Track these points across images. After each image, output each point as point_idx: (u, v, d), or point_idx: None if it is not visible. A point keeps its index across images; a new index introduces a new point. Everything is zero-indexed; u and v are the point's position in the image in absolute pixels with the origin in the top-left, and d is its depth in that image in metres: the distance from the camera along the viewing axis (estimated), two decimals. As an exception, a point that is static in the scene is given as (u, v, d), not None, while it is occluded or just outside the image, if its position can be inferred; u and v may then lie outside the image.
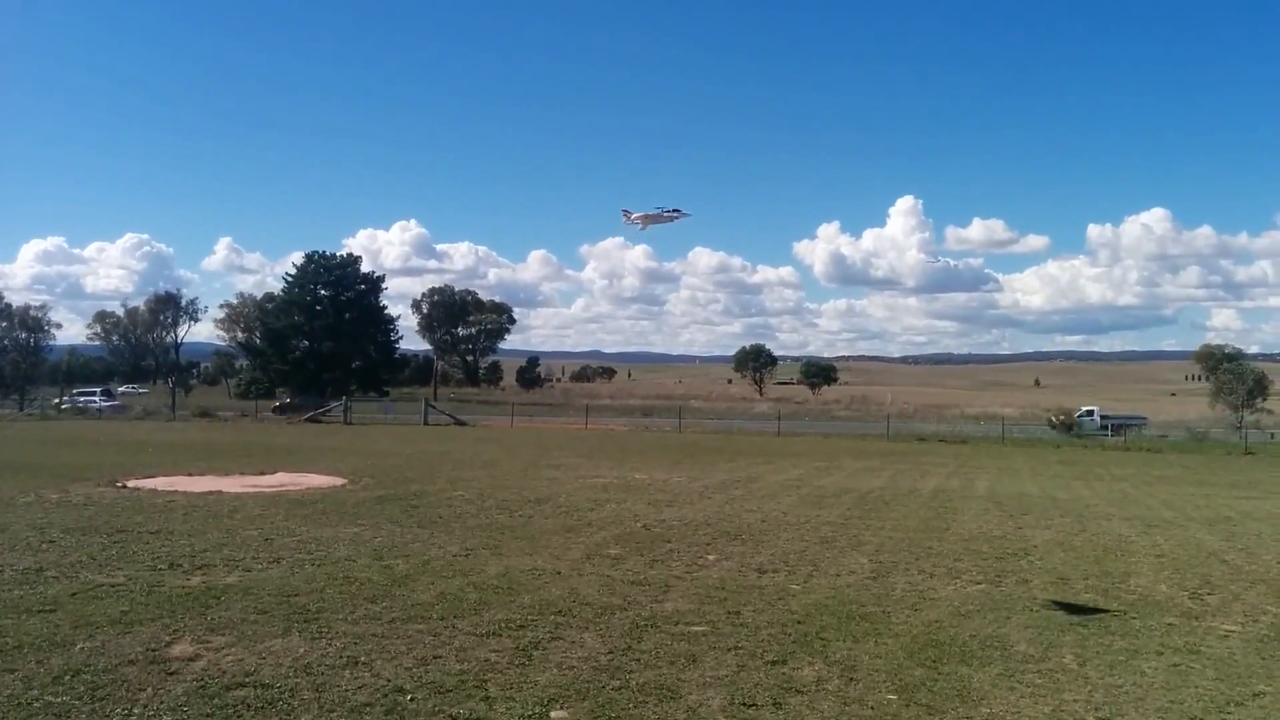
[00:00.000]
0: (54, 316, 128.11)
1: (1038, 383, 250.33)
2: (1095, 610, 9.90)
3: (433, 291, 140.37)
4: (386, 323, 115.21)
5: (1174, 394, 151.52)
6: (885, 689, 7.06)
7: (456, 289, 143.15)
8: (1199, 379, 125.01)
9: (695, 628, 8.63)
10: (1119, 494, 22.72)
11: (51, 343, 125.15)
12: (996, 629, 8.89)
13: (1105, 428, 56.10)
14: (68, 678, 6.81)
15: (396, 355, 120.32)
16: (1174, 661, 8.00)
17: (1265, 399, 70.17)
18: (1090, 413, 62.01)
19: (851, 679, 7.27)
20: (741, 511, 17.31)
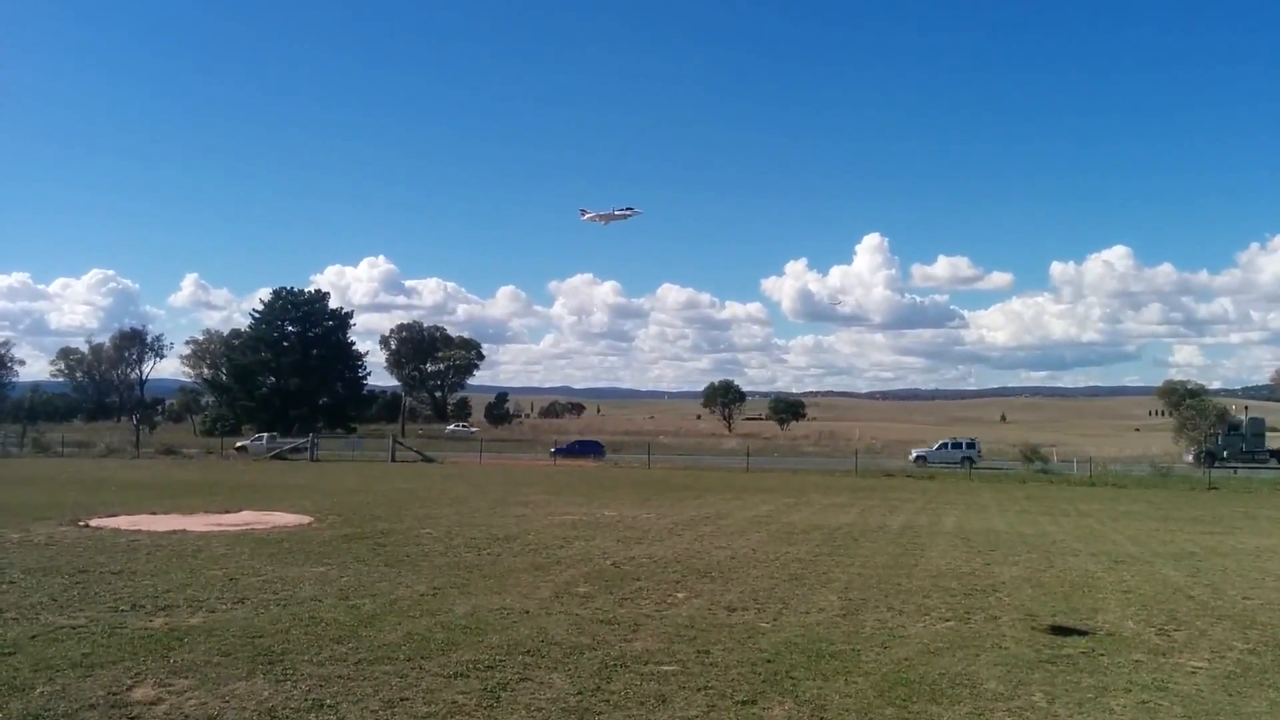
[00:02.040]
0: (17, 353, 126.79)
1: (1004, 418, 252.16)
2: (1069, 636, 10.11)
3: (401, 328, 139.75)
4: (354, 359, 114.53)
5: (1138, 429, 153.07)
6: (855, 728, 7.04)
7: (425, 325, 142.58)
8: (1162, 414, 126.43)
9: (665, 667, 8.58)
10: (1085, 529, 22.90)
11: (14, 379, 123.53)
12: (966, 666, 8.92)
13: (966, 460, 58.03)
14: (25, 724, 6.67)
15: (364, 391, 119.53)
16: (1142, 699, 8.04)
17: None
18: (945, 445, 63.29)
19: (822, 718, 7.25)
20: (711, 548, 17.28)
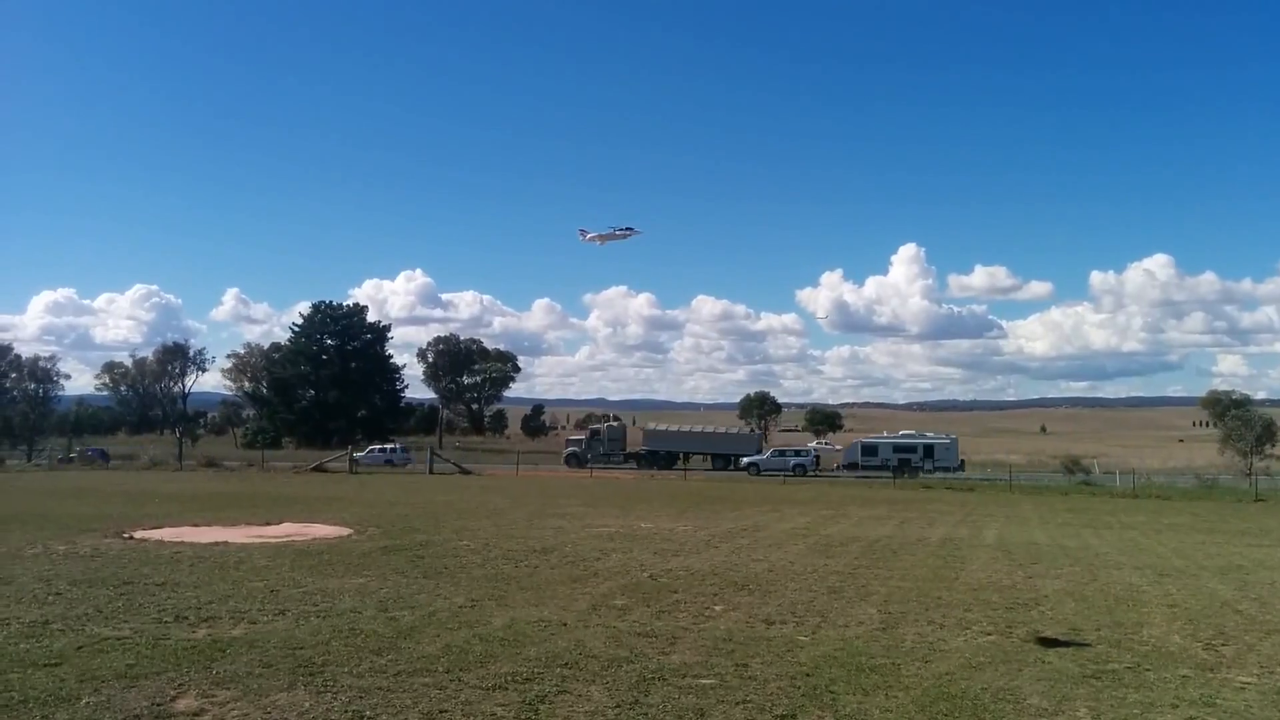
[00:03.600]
0: (63, 367, 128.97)
1: (1044, 429, 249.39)
2: (1068, 647, 10.07)
3: (438, 340, 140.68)
4: (392, 372, 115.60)
5: (1181, 440, 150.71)
6: (896, 743, 6.97)
7: (462, 338, 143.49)
8: (1206, 425, 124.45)
9: (703, 680, 8.55)
10: (1129, 542, 22.56)
11: (60, 393, 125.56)
12: (1009, 681, 8.80)
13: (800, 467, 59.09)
14: (72, 733, 6.77)
15: (402, 404, 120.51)
16: (1190, 715, 7.90)
17: (1275, 445, 69.76)
18: (777, 452, 63.59)
19: (862, 733, 7.19)
20: (748, 561, 17.22)
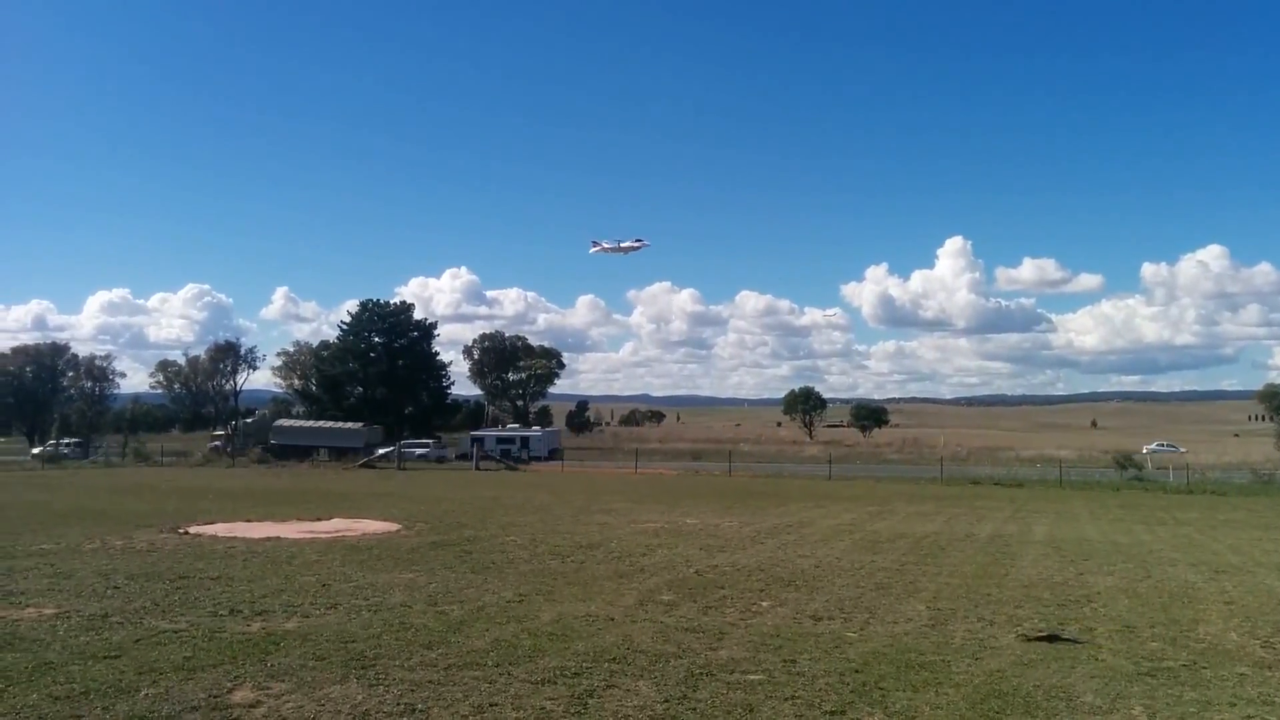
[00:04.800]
0: (118, 366, 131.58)
1: (1094, 424, 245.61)
2: (1064, 644, 9.96)
3: (483, 337, 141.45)
4: (439, 369, 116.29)
5: (1237, 435, 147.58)
6: (947, 740, 6.92)
7: (506, 335, 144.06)
8: (1262, 419, 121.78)
9: (751, 676, 8.55)
10: (1183, 539, 22.15)
11: (116, 391, 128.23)
12: (1061, 679, 8.70)
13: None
14: (133, 724, 6.92)
15: (448, 401, 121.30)
16: (1247, 714, 7.76)
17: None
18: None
19: (912, 730, 7.14)
20: (794, 557, 17.15)
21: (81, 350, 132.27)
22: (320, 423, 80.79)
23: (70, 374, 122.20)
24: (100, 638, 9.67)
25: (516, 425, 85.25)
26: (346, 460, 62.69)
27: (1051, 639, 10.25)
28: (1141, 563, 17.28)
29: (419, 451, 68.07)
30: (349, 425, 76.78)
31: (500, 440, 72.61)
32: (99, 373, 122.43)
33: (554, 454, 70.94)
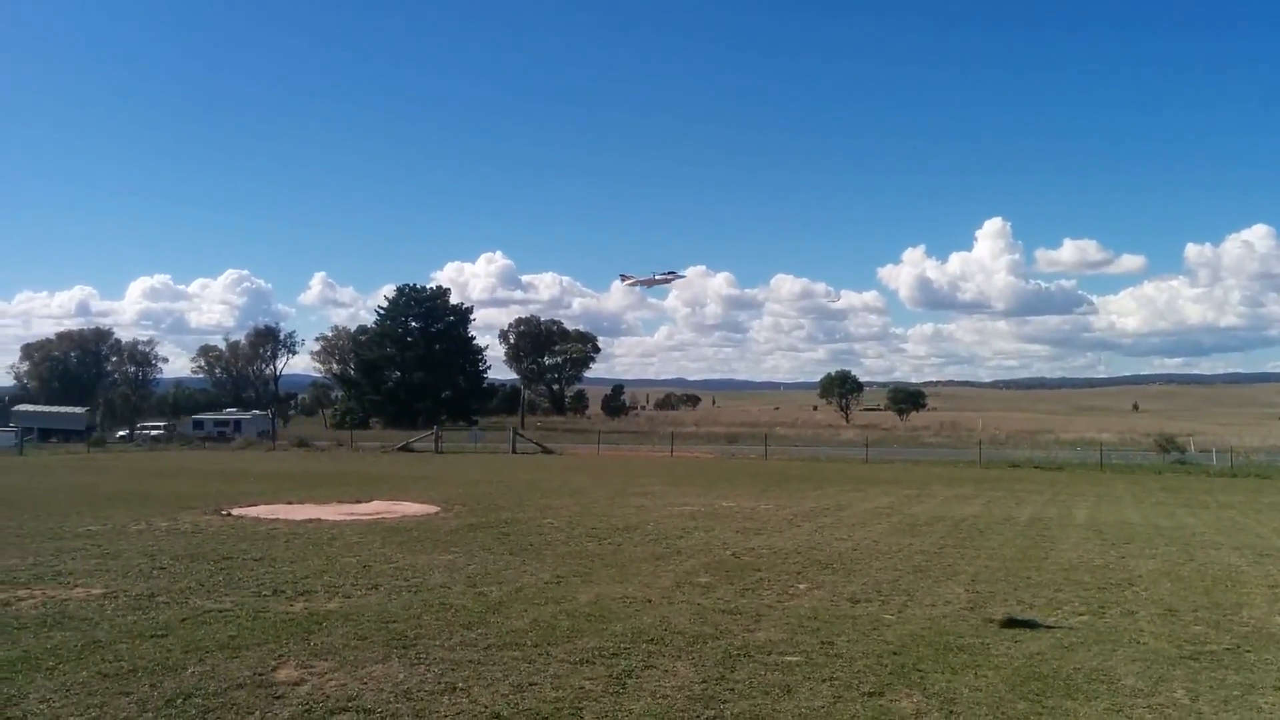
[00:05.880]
0: (160, 351, 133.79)
1: (1136, 407, 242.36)
2: (1032, 629, 9.82)
3: (519, 322, 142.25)
4: (475, 353, 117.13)
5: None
6: (986, 722, 6.89)
7: (542, 319, 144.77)
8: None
9: (789, 658, 8.56)
10: (1227, 522, 21.85)
11: (159, 376, 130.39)
12: (1102, 662, 8.63)
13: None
14: (180, 701, 7.06)
15: (485, 385, 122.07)
16: (1292, 697, 7.66)
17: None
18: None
19: (952, 712, 7.12)
20: (831, 540, 17.12)
21: (124, 336, 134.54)
22: (50, 407, 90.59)
23: (114, 359, 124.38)
24: (147, 617, 9.86)
25: (233, 410, 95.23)
26: (73, 443, 66.72)
27: (1010, 623, 10.12)
28: (1184, 546, 17.07)
29: (153, 432, 75.15)
30: (73, 410, 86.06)
31: (217, 423, 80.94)
32: (142, 358, 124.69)
33: (263, 434, 76.47)
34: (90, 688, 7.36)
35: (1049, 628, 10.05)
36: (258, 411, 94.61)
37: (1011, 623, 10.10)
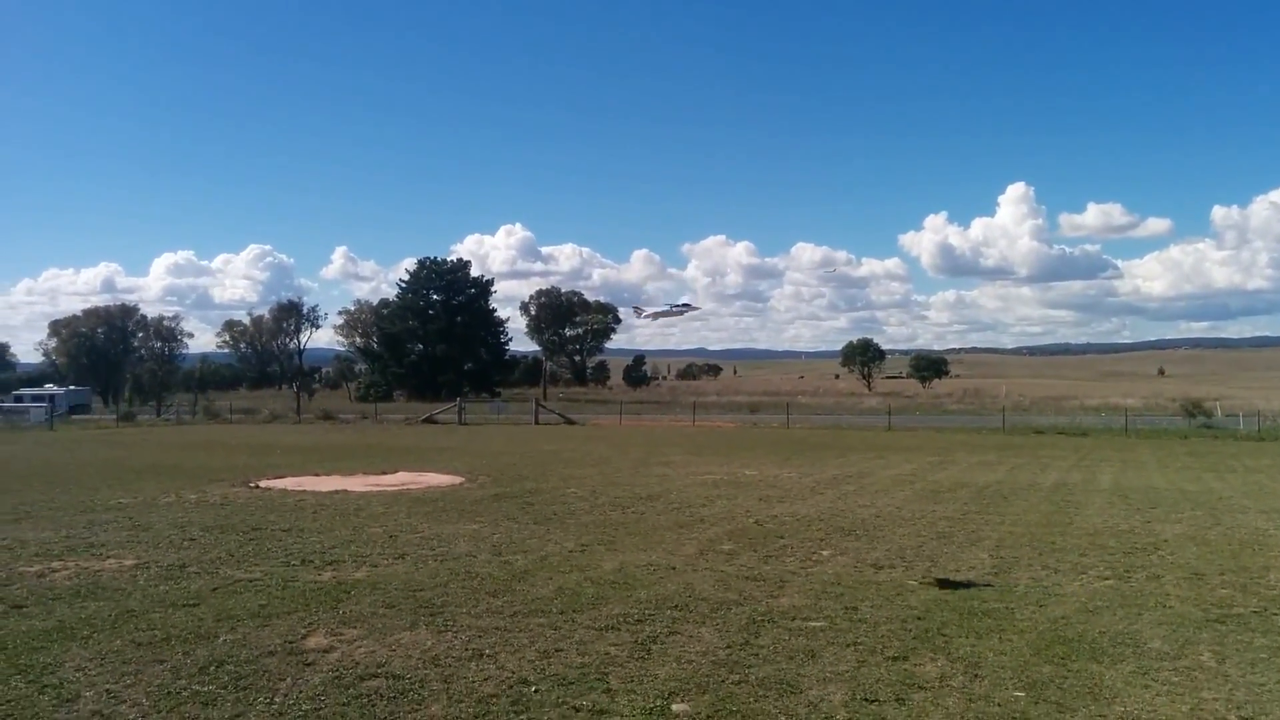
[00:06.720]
0: (185, 326, 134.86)
1: (1162, 372, 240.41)
2: (973, 589, 9.92)
3: (540, 293, 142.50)
4: (496, 325, 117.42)
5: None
6: (1012, 686, 6.92)
7: (563, 290, 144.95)
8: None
9: (813, 623, 8.60)
10: (1254, 486, 21.70)
11: (184, 351, 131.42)
12: (1128, 626, 8.62)
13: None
14: (212, 668, 7.18)
15: (507, 357, 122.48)
16: (1320, 660, 7.63)
17: None
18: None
19: (976, 675, 7.14)
20: (854, 507, 17.13)
21: (150, 311, 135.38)
22: (60, 388, 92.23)
23: (140, 335, 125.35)
24: (179, 587, 10.01)
25: (51, 386, 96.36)
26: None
27: (943, 584, 10.16)
28: (1210, 510, 16.98)
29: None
30: (78, 388, 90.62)
31: (35, 398, 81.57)
32: (167, 333, 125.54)
33: (76, 409, 79.81)
34: (125, 656, 7.49)
35: (985, 586, 10.14)
36: (74, 387, 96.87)
37: (945, 584, 10.22)
